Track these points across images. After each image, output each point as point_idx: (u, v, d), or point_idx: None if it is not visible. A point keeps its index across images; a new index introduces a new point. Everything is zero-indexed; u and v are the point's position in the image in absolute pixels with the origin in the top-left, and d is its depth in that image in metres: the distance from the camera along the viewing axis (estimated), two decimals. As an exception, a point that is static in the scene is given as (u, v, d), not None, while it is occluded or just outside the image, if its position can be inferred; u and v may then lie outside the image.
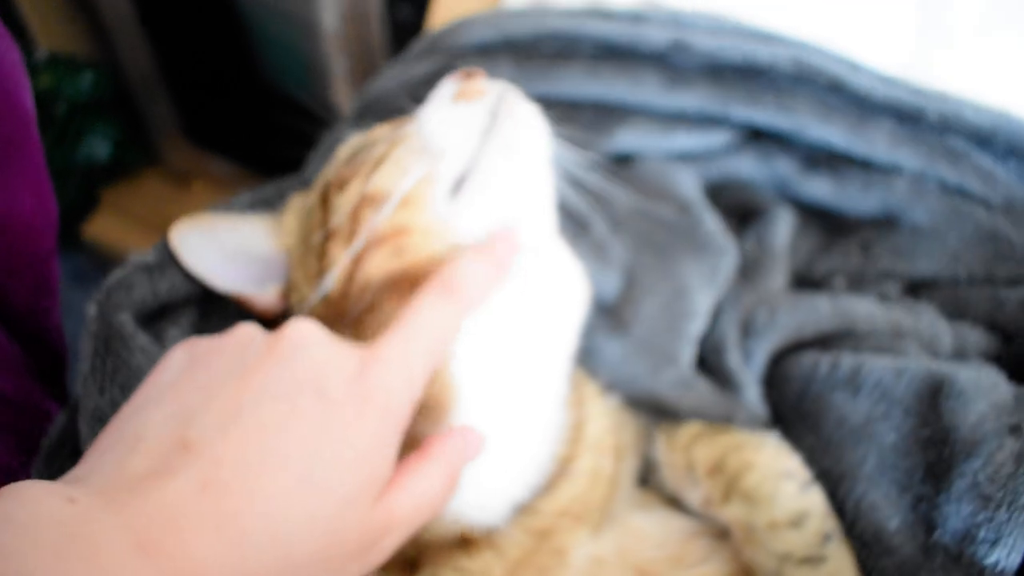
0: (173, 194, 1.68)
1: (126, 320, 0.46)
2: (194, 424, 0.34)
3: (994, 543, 0.42)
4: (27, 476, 0.49)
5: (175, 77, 1.53)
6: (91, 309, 0.47)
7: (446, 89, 0.51)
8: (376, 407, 0.37)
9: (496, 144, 0.48)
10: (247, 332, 0.40)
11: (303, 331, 0.38)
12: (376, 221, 0.45)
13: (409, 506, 0.38)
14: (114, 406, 0.44)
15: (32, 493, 0.30)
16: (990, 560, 0.42)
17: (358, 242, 0.45)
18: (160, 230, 0.50)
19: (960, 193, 0.61)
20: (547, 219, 0.52)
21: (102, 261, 1.66)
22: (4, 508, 0.29)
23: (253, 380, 0.36)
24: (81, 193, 1.61)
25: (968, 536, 0.43)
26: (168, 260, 0.50)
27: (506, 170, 0.48)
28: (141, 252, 0.50)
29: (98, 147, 1.56)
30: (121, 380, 0.44)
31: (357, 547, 0.36)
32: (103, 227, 1.63)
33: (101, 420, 0.45)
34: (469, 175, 0.47)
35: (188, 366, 0.38)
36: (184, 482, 0.32)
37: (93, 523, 0.29)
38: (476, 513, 0.46)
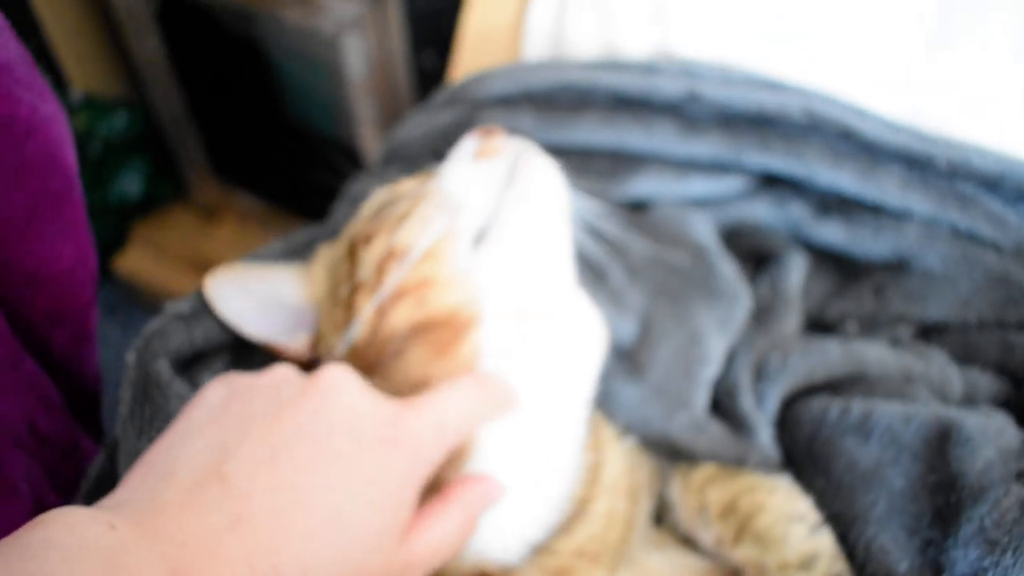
0: (201, 228, 1.71)
1: (163, 368, 0.48)
2: (230, 459, 0.36)
3: (1000, 587, 0.43)
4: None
5: (205, 117, 1.56)
6: (130, 357, 0.48)
7: (467, 147, 0.53)
8: (405, 453, 0.39)
9: (513, 199, 0.50)
10: (284, 373, 0.42)
11: (337, 375, 0.40)
12: (400, 274, 0.47)
13: (429, 548, 0.40)
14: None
15: (76, 519, 0.32)
16: (997, 604, 0.43)
17: (382, 292, 0.47)
18: (189, 263, 0.52)
19: (971, 237, 0.62)
20: (566, 269, 0.54)
21: (133, 293, 1.70)
22: (49, 533, 0.31)
23: (287, 419, 0.37)
24: (114, 229, 1.65)
25: (975, 581, 0.44)
26: (203, 309, 0.52)
27: (523, 223, 0.50)
28: (178, 301, 0.52)
29: (131, 184, 1.60)
30: (159, 425, 0.46)
31: None
32: (134, 260, 1.66)
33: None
34: (489, 229, 0.49)
35: (226, 401, 0.40)
36: (218, 516, 0.33)
37: (131, 551, 0.31)
38: (494, 552, 0.47)
